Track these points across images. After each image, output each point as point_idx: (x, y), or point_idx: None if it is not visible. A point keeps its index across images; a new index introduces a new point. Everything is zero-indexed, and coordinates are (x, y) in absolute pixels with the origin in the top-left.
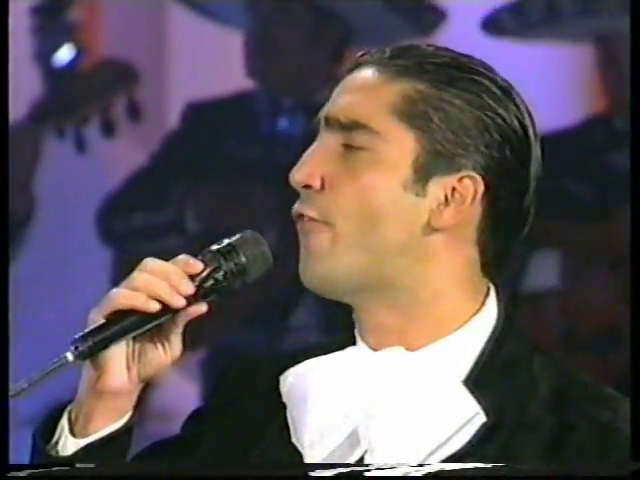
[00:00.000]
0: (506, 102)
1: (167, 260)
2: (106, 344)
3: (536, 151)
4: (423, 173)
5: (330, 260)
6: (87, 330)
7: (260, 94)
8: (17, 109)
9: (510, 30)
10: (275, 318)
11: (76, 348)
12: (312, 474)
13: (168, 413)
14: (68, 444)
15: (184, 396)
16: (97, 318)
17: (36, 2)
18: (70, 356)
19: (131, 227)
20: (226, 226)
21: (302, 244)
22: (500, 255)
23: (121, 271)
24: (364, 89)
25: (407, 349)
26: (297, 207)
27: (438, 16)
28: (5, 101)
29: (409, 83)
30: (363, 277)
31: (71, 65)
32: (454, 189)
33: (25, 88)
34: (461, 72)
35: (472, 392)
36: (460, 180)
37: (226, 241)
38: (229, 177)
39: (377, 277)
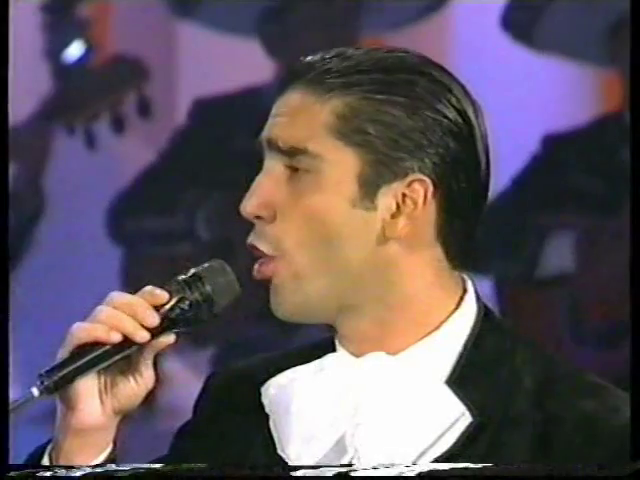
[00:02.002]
0: (438, 92)
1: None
2: (71, 378)
3: (479, 128)
4: (369, 187)
5: (296, 292)
6: (52, 365)
7: (269, 90)
8: (27, 106)
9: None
10: None
11: (42, 383)
12: (299, 474)
13: (178, 410)
14: None
15: (194, 393)
16: (63, 354)
17: None
18: (36, 391)
19: (142, 228)
20: (237, 233)
21: (267, 280)
22: (463, 245)
23: (131, 269)
24: (297, 111)
25: (388, 353)
26: (250, 238)
27: None
28: (5, 101)
29: (339, 99)
30: (330, 298)
31: (81, 62)
32: (404, 195)
33: (35, 85)
34: (389, 74)
35: (456, 392)
36: (409, 185)
37: (192, 271)
38: (239, 177)
39: (344, 295)
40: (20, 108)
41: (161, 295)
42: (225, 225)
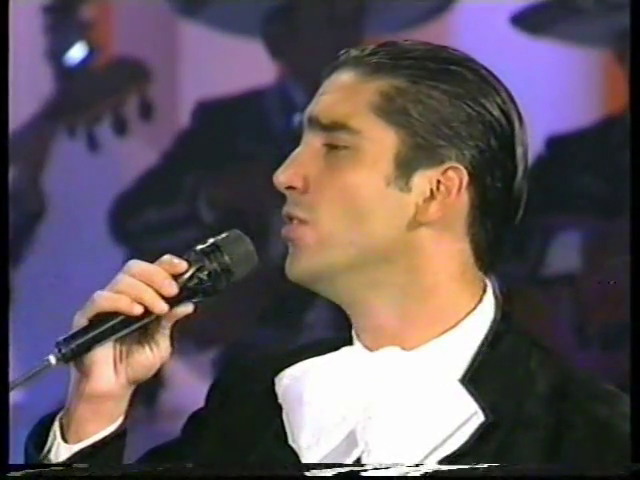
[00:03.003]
0: (486, 89)
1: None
2: (89, 346)
3: (520, 135)
4: (406, 168)
5: (316, 256)
6: (70, 333)
7: (272, 91)
8: (29, 107)
9: (529, 26)
10: (289, 315)
11: (59, 351)
12: (309, 474)
13: (181, 412)
14: (61, 450)
15: (197, 395)
16: (81, 321)
17: (49, 0)
18: (53, 359)
19: (145, 224)
20: (240, 213)
21: (289, 244)
22: (492, 246)
23: None
24: (342, 89)
25: (403, 348)
26: (285, 209)
27: None
28: (5, 103)
29: (386, 80)
30: (352, 271)
31: (83, 64)
32: (439, 182)
33: (37, 86)
34: (437, 64)
35: (469, 391)
36: (444, 172)
37: (210, 240)
38: (241, 172)
39: (366, 271)
40: (22, 110)
41: (180, 264)
42: (228, 207)
